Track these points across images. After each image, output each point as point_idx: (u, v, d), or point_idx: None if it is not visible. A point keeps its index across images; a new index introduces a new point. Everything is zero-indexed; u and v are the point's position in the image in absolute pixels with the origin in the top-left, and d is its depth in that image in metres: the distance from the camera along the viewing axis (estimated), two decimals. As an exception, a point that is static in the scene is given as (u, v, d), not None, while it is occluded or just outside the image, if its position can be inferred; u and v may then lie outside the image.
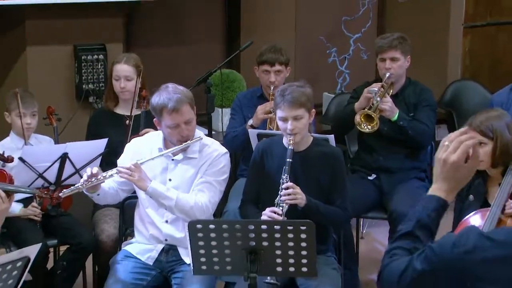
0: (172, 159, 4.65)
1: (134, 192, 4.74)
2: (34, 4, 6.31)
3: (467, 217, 4.26)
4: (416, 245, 2.54)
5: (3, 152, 5.00)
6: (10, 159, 4.97)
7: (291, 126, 4.49)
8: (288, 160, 4.47)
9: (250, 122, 5.62)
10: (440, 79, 7.65)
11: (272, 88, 5.64)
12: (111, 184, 4.66)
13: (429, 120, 5.65)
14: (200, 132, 4.71)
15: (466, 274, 2.28)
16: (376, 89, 5.51)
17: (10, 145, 5.28)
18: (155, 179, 4.56)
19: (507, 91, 5.68)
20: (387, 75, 5.60)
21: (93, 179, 4.42)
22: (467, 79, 7.69)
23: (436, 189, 2.59)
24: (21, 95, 5.31)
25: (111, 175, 4.49)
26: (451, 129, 7.05)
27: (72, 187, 4.49)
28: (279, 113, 4.55)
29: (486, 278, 2.26)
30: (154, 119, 4.64)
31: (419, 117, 5.63)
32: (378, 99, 5.46)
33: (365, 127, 5.52)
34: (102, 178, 4.46)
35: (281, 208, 4.38)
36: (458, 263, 2.30)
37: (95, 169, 4.45)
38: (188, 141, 4.56)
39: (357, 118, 5.50)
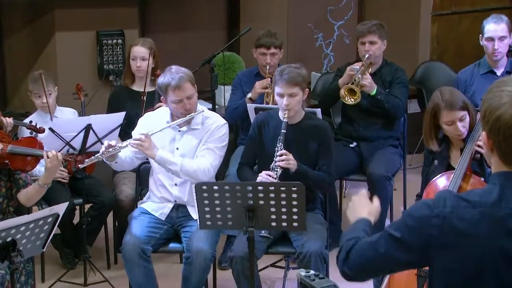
0: (179, 131, 4.63)
1: (148, 158, 4.70)
2: (62, -5, 6.30)
3: (434, 179, 4.26)
4: (366, 234, 2.50)
5: (36, 124, 4.97)
6: (41, 130, 4.96)
7: (286, 101, 4.49)
8: (282, 131, 4.47)
9: (249, 95, 5.60)
10: (412, 60, 7.60)
11: (268, 67, 5.62)
12: (127, 154, 4.63)
13: (402, 95, 5.63)
14: (201, 106, 4.68)
15: (444, 230, 2.22)
16: (358, 67, 5.47)
17: (38, 119, 5.24)
18: (165, 148, 4.54)
19: (471, 67, 5.70)
20: (366, 55, 5.56)
21: (110, 149, 4.40)
22: (434, 60, 7.66)
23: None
24: (36, 77, 5.24)
25: (126, 146, 4.48)
26: (421, 102, 7.02)
27: (92, 157, 4.48)
28: (277, 90, 4.54)
29: (463, 234, 2.21)
30: (161, 97, 4.63)
31: (394, 92, 5.60)
32: (360, 76, 5.43)
33: (349, 99, 5.47)
34: (118, 148, 4.44)
35: (275, 172, 4.38)
36: (437, 221, 2.23)
37: (113, 142, 4.45)
38: (192, 114, 4.53)
39: (342, 92, 5.47)
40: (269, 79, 5.44)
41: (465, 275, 2.23)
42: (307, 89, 4.63)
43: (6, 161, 4.33)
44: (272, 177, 4.35)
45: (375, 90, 5.48)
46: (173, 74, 4.49)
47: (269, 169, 4.42)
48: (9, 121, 4.92)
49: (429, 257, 2.27)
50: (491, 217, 2.20)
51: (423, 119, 4.39)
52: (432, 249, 2.25)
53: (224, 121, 4.69)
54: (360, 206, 2.67)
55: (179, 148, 4.61)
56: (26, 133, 5.08)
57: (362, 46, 5.62)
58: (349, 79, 5.49)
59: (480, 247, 2.20)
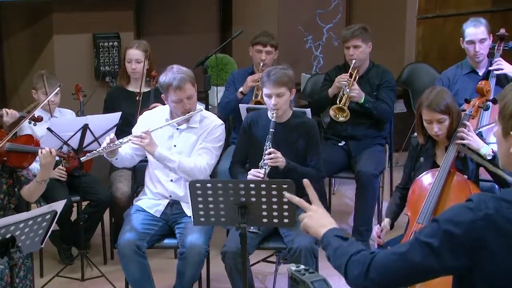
0: (177, 128, 4.63)
1: (147, 156, 4.69)
2: (59, -1, 6.29)
3: (420, 176, 4.24)
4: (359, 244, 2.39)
5: (33, 114, 4.94)
6: (39, 119, 4.94)
7: (274, 101, 4.50)
8: (271, 130, 4.48)
9: (241, 89, 5.66)
10: (398, 61, 7.62)
11: (261, 65, 5.67)
12: (127, 151, 4.63)
13: (389, 99, 5.64)
14: (200, 106, 4.68)
15: (492, 232, 2.12)
16: (345, 82, 5.48)
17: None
18: (163, 145, 4.53)
19: (454, 68, 5.72)
20: (353, 62, 5.57)
21: (111, 144, 4.39)
22: (419, 62, 7.68)
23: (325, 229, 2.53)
24: (46, 76, 5.26)
25: (126, 141, 4.47)
26: (407, 103, 7.03)
27: (94, 151, 4.46)
28: (265, 90, 4.55)
29: (509, 235, 2.12)
30: (162, 95, 4.63)
31: (382, 96, 5.62)
32: (347, 90, 5.45)
33: (340, 117, 5.51)
34: (118, 143, 4.44)
35: (264, 169, 4.37)
36: (484, 224, 2.12)
37: (112, 135, 4.44)
38: (191, 112, 4.53)
39: (332, 112, 5.50)
40: (261, 74, 5.44)
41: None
42: (294, 89, 4.64)
43: (4, 158, 4.36)
44: (261, 175, 4.34)
45: (363, 98, 5.50)
46: (175, 74, 4.49)
47: (258, 167, 4.42)
48: (14, 112, 4.95)
49: (474, 261, 2.16)
50: None
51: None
52: (478, 253, 2.14)
53: (221, 121, 4.69)
54: (320, 217, 2.59)
55: (176, 145, 4.61)
56: (25, 131, 5.06)
57: (347, 50, 5.64)
58: (338, 90, 5.55)
59: None
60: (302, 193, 4.49)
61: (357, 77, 5.59)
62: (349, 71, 5.57)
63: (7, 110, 4.98)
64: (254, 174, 4.37)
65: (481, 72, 5.53)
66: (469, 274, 2.18)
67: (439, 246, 2.16)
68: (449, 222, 2.17)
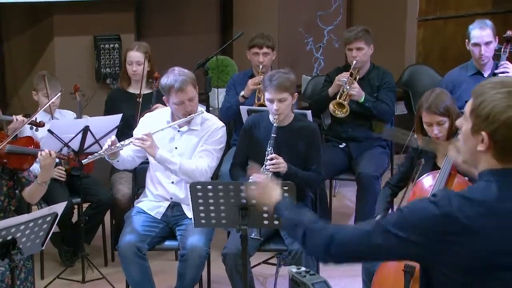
0: (178, 131, 4.63)
1: (147, 158, 4.69)
2: (61, 1, 6.29)
3: (420, 178, 4.23)
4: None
5: (36, 118, 4.94)
6: (42, 124, 4.93)
7: (276, 106, 4.50)
8: (272, 135, 4.49)
9: (242, 93, 5.64)
10: (399, 63, 7.62)
11: (260, 67, 5.65)
12: (128, 153, 4.63)
13: (389, 100, 5.64)
14: (201, 108, 4.68)
15: (454, 228, 2.17)
16: (346, 79, 5.49)
17: (40, 120, 5.20)
18: (164, 147, 4.53)
19: (457, 70, 5.72)
20: (354, 62, 5.56)
21: (112, 147, 4.40)
22: (420, 64, 7.68)
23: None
24: (48, 77, 5.26)
25: (128, 144, 4.48)
26: (408, 104, 7.02)
27: (95, 153, 4.47)
28: (267, 95, 4.55)
29: (472, 231, 2.17)
30: (163, 97, 4.64)
31: (382, 97, 5.61)
32: (348, 87, 5.45)
33: (339, 112, 5.50)
34: (120, 145, 4.45)
35: (266, 176, 4.36)
36: (446, 220, 2.18)
37: (113, 137, 4.46)
38: (192, 114, 4.53)
39: (331, 106, 5.49)
40: (261, 76, 5.44)
41: (474, 269, 2.18)
42: (296, 93, 4.63)
43: (5, 160, 4.37)
44: None
45: (363, 97, 5.50)
46: (176, 76, 4.50)
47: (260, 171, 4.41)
48: (23, 119, 4.94)
49: (436, 253, 2.20)
50: (498, 212, 2.17)
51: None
52: (441, 247, 2.19)
53: (222, 123, 4.70)
54: (271, 189, 2.83)
55: (177, 148, 4.61)
56: (26, 133, 5.06)
57: (350, 52, 5.63)
58: (338, 88, 5.53)
59: (490, 241, 2.16)
60: (301, 196, 4.55)
61: (358, 77, 5.59)
62: (350, 71, 5.57)
63: (17, 117, 4.98)
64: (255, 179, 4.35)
65: (486, 74, 5.52)
66: (432, 262, 2.24)
67: (403, 238, 2.22)
68: (413, 216, 2.23)
